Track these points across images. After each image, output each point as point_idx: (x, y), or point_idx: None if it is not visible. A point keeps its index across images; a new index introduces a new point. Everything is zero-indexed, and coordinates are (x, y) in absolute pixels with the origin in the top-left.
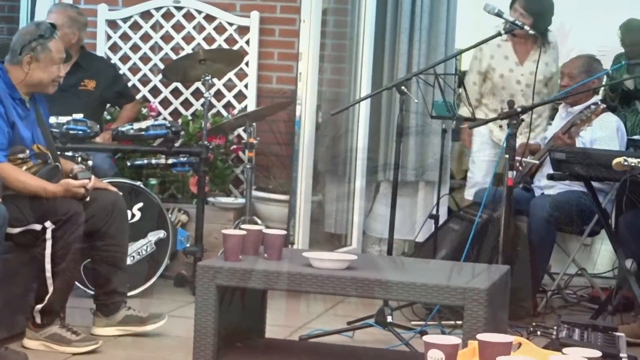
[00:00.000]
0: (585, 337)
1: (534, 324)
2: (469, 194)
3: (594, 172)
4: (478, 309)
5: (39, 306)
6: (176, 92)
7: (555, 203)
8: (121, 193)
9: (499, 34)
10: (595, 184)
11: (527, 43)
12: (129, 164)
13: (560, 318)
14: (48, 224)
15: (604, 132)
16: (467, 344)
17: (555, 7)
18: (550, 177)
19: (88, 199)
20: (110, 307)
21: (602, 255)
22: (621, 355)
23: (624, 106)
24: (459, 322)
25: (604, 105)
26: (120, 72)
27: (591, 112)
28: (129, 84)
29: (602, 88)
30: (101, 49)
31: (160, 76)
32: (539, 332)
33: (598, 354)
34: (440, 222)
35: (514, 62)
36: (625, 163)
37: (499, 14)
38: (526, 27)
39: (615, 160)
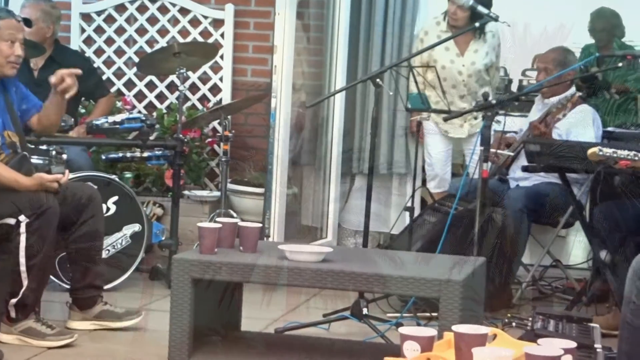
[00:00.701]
0: (560, 328)
1: (509, 315)
2: (431, 187)
3: (568, 163)
4: (454, 301)
5: (13, 300)
6: (151, 86)
7: (530, 195)
8: (96, 187)
9: (474, 27)
10: (570, 175)
11: (466, 34)
12: (103, 157)
13: (535, 309)
14: (22, 217)
15: (579, 124)
16: (442, 335)
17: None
18: (525, 169)
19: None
20: (87, 301)
21: (576, 247)
22: (596, 346)
23: (593, 96)
24: (435, 314)
25: (579, 94)
26: (95, 65)
27: (567, 100)
28: (104, 78)
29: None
30: (75, 43)
31: (134, 69)
32: (514, 324)
33: (573, 344)
34: (415, 214)
35: (454, 54)
36: (601, 153)
37: (473, 8)
38: (501, 20)
39: (590, 151)
